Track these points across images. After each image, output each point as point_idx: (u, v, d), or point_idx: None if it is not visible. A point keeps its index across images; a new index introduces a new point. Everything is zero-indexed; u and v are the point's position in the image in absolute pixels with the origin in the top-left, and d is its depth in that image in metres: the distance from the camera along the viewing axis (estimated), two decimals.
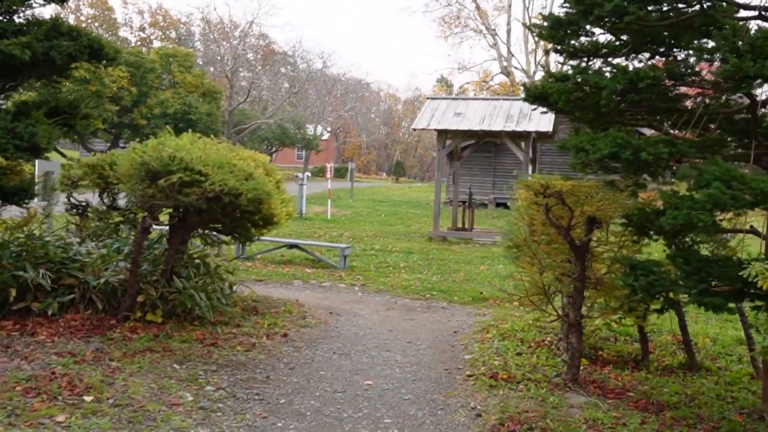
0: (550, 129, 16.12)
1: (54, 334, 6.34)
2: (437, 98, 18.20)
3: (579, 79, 5.17)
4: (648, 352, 7.07)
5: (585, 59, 5.60)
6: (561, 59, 6.12)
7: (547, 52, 24.68)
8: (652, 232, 5.63)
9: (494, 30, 24.62)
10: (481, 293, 10.46)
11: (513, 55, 24.38)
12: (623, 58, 5.48)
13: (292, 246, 12.67)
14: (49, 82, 7.85)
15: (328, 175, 22.43)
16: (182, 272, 7.44)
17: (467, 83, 26.04)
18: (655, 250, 6.35)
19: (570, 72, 5.41)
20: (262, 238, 12.43)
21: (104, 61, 7.61)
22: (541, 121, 16.43)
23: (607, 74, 5.13)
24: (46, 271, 6.82)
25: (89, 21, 61.68)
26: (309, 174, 21.82)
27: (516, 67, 24.53)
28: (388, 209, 28.18)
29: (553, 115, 16.27)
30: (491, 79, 25.32)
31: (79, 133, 33.92)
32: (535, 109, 6.33)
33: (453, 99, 18.04)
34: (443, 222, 18.28)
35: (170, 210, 7.31)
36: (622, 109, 5.52)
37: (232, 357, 6.27)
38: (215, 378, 5.65)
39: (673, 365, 6.88)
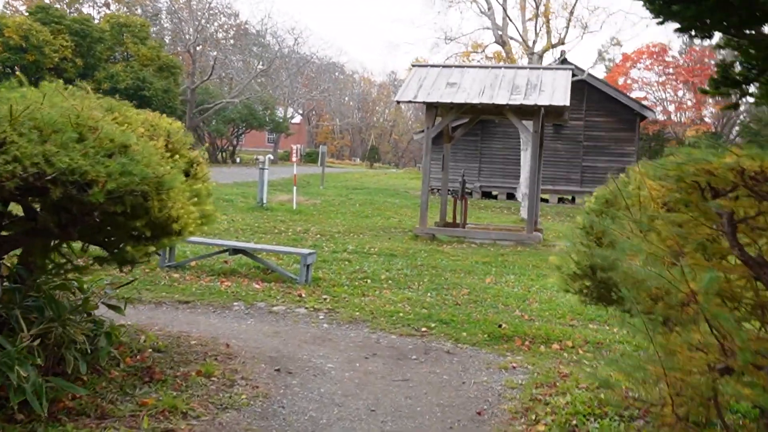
0: (567, 102, 13.02)
1: None
2: (425, 66, 15.01)
3: None
4: None
5: None
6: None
7: (548, 20, 21.59)
8: None
9: None
10: (500, 326, 7.33)
11: (510, 20, 21.21)
12: None
13: (237, 251, 9.42)
14: None
15: (294, 159, 19.13)
16: (12, 320, 4.23)
17: (454, 54, 22.77)
18: None
19: None
20: (195, 240, 9.24)
21: None
22: (555, 92, 13.33)
23: None
24: None
25: None
26: (271, 157, 18.54)
27: (513, 38, 21.41)
28: (363, 198, 25.01)
29: (568, 85, 13.25)
30: (483, 50, 22.23)
31: None
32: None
33: (444, 67, 14.87)
34: (429, 215, 15.12)
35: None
36: None
37: None
38: None
39: None
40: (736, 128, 57.39)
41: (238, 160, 44.89)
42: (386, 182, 37.45)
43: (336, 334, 6.91)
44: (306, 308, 7.80)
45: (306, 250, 9.15)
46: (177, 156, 4.84)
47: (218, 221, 14.88)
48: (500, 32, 21.13)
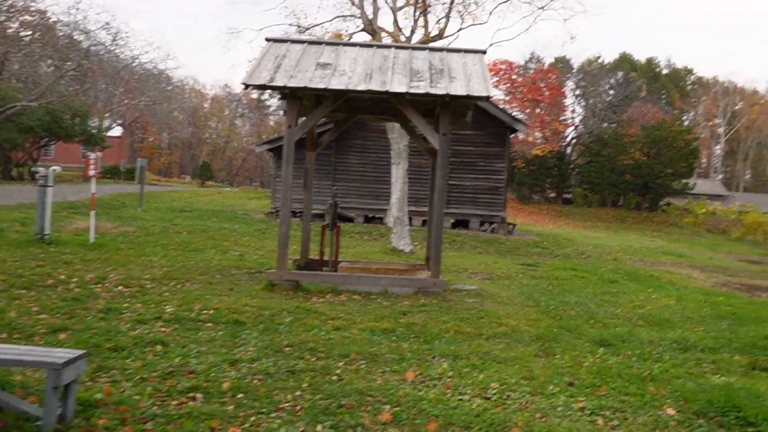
0: (489, 92, 9.13)
1: None
2: (284, 41, 10.57)
3: None
4: None
5: None
6: None
7: (425, 8, 17.84)
8: None
9: None
10: None
11: (387, 1, 17.19)
12: None
13: None
14: None
15: (92, 172, 13.72)
16: None
17: None
18: None
19: None
20: None
21: None
22: (471, 80, 9.42)
23: None
24: None
25: None
26: (57, 169, 13.23)
27: (384, 28, 17.50)
28: (193, 223, 20.03)
29: (486, 71, 9.42)
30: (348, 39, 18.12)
31: None
32: None
33: (312, 42, 10.54)
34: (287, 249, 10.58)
35: None
36: None
37: None
38: None
39: None
40: (577, 149, 57.41)
41: (36, 176, 37.77)
42: (221, 202, 32.37)
43: None
44: None
45: (63, 354, 4.37)
46: None
47: None
48: (369, 19, 17.13)
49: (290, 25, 19.34)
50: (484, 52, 10.37)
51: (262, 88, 9.20)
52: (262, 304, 8.41)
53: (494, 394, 5.50)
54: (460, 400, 5.31)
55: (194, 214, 23.61)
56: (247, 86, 9.14)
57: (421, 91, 9.03)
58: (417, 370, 6.01)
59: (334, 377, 5.67)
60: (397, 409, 4.99)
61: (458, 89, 9.10)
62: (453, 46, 16.37)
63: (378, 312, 8.48)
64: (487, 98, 9.06)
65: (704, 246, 32.39)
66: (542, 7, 19.98)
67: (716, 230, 42.89)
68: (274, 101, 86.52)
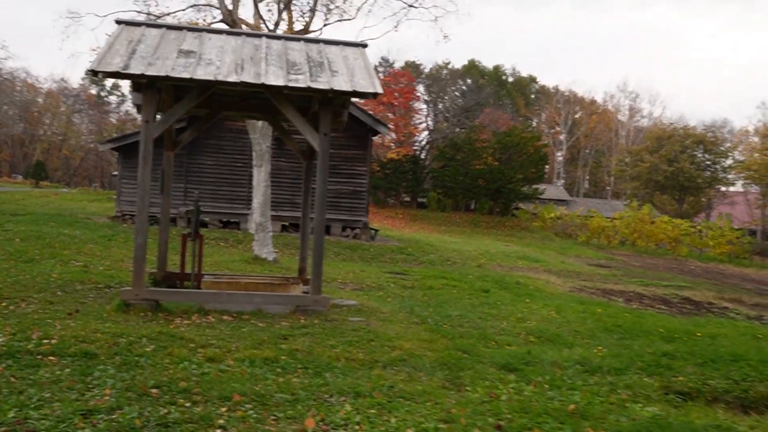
0: (377, 88, 8.32)
1: None
2: (139, 24, 9.20)
3: None
4: None
5: None
6: None
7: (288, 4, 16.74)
8: None
9: None
10: None
11: None
12: None
13: None
14: None
15: None
16: None
17: None
18: None
19: None
20: None
21: None
22: (355, 74, 8.57)
23: None
24: None
25: None
26: None
27: (245, 20, 16.23)
28: (27, 229, 17.81)
29: (370, 66, 8.65)
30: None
31: None
32: None
33: (171, 27, 9.24)
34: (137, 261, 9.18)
35: None
36: None
37: None
38: None
39: None
40: (432, 153, 58.15)
41: None
42: (59, 205, 29.61)
43: None
44: None
45: None
46: None
47: None
48: (230, 7, 15.84)
49: (139, 12, 17.64)
50: (365, 46, 9.55)
51: (114, 76, 7.86)
52: (117, 330, 7.10)
53: None
54: None
55: (28, 218, 21.17)
56: (96, 73, 7.75)
57: (302, 85, 8.06)
58: (317, 415, 5.04)
59: (218, 430, 4.60)
60: None
61: (342, 84, 8.21)
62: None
63: (255, 336, 7.41)
64: (375, 95, 8.24)
65: (554, 250, 33.42)
66: (412, 5, 19.45)
67: (564, 234, 44.69)
68: (114, 98, 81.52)
